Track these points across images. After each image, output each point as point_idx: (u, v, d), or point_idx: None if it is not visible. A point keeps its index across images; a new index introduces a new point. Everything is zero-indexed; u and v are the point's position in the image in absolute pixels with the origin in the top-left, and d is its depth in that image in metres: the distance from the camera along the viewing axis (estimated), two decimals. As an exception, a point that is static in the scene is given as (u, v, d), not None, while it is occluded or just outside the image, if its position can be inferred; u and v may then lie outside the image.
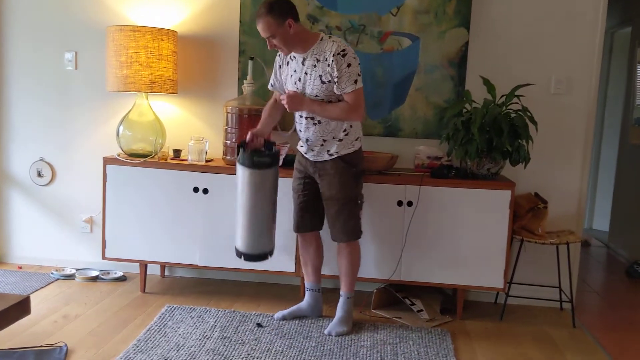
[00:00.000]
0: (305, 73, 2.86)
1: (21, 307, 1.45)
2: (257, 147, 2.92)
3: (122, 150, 3.51)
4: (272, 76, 3.07)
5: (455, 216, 3.24)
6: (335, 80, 2.79)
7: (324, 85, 2.82)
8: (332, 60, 2.76)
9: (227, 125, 3.44)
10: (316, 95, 2.86)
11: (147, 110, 3.53)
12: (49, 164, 3.89)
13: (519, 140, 3.22)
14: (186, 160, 3.45)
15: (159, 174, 3.39)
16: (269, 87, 3.10)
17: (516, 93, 3.27)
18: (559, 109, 3.53)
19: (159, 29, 3.43)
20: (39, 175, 3.90)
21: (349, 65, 2.77)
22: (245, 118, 3.39)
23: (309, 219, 3.10)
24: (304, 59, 2.86)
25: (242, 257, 2.97)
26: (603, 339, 3.17)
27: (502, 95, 3.30)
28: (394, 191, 3.26)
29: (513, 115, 3.23)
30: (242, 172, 2.85)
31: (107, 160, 3.42)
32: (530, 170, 3.41)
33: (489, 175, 3.28)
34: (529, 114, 3.24)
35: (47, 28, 3.79)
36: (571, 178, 3.57)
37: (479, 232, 3.23)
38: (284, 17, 2.74)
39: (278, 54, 3.00)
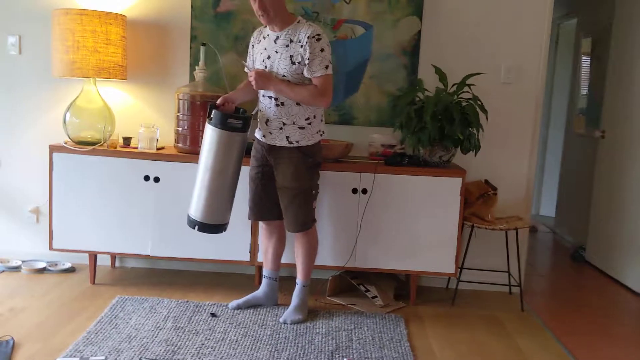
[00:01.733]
0: (276, 52, 2.85)
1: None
2: (228, 111, 2.90)
3: (70, 138, 3.40)
4: (247, 57, 3.08)
5: (408, 203, 3.28)
6: (307, 62, 2.79)
7: (294, 66, 2.81)
8: (306, 42, 2.77)
9: (178, 112, 3.37)
10: (283, 76, 2.84)
11: (95, 97, 3.43)
12: (-9, 152, 3.74)
13: (470, 129, 3.28)
14: (136, 148, 3.37)
15: (109, 162, 3.30)
16: (245, 68, 3.06)
17: (467, 82, 3.32)
18: (508, 98, 3.61)
19: (107, 13, 3.32)
20: (-19, 164, 3.74)
21: (322, 50, 2.79)
22: (198, 105, 3.33)
23: (267, 207, 3.08)
24: (277, 38, 2.85)
25: (197, 226, 2.91)
26: (550, 322, 3.28)
27: (454, 84, 3.35)
28: (349, 179, 3.27)
29: (464, 103, 3.28)
30: (210, 132, 2.83)
31: (54, 148, 3.31)
32: (480, 157, 3.49)
33: (441, 163, 3.33)
34: (479, 102, 3.30)
35: (-12, 10, 3.63)
36: (519, 165, 3.67)
37: (431, 218, 3.29)
38: None
39: (252, 34, 3.03)
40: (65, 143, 3.36)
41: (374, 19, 3.54)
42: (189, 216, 2.94)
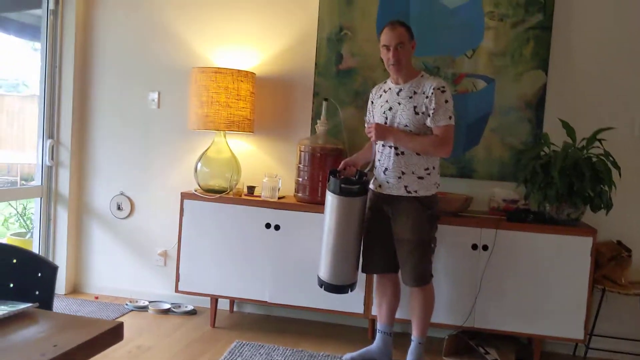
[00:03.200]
0: (399, 103, 2.92)
1: (115, 333, 1.50)
2: (349, 175, 3.00)
3: (199, 186, 3.62)
4: (367, 113, 3.19)
5: (532, 262, 3.14)
6: (431, 112, 2.84)
7: (417, 117, 2.86)
8: (432, 93, 2.83)
9: (299, 163, 3.49)
10: (405, 125, 2.89)
11: (224, 148, 3.64)
12: (128, 197, 4.05)
13: (601, 186, 3.10)
14: (259, 196, 3.52)
15: (233, 209, 3.46)
16: (366, 124, 3.16)
17: (598, 137, 3.17)
18: (643, 154, 3.40)
19: (239, 71, 3.56)
20: (119, 208, 4.06)
21: (446, 101, 2.85)
22: (318, 157, 3.43)
23: (380, 259, 3.06)
24: (400, 90, 2.94)
25: (323, 286, 3.01)
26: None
27: (583, 139, 3.21)
28: (468, 234, 3.19)
29: (594, 159, 3.13)
30: (330, 199, 2.93)
31: (185, 195, 3.53)
32: (612, 217, 3.27)
33: (569, 221, 3.17)
34: (611, 158, 3.13)
35: (134, 69, 4.01)
36: (656, 226, 3.41)
37: (557, 279, 3.11)
38: (412, 37, 2.93)
39: (371, 91, 3.14)
40: (196, 191, 3.58)
41: (496, 73, 3.51)
42: (318, 277, 3.05)
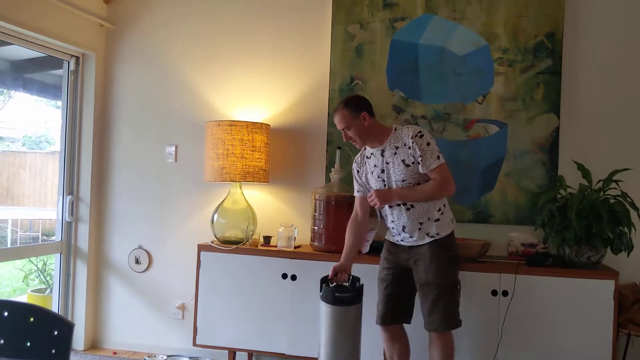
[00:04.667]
0: (387, 162, 2.92)
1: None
2: (341, 281, 2.93)
3: (216, 237, 3.64)
4: (355, 184, 3.10)
5: (554, 307, 3.07)
6: (419, 160, 2.83)
7: (409, 168, 2.86)
8: (412, 142, 2.82)
9: (315, 212, 3.51)
10: (403, 180, 2.89)
11: (240, 199, 3.68)
12: (146, 251, 4.08)
13: (620, 227, 3.06)
14: (276, 246, 3.52)
15: (250, 260, 3.46)
16: (355, 193, 3.11)
17: (614, 178, 3.15)
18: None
19: (254, 123, 3.63)
20: (137, 262, 4.08)
21: (428, 144, 2.83)
22: (333, 205, 3.45)
23: (396, 310, 3.01)
24: (383, 151, 2.92)
25: None
26: None
27: (599, 181, 3.18)
28: (487, 280, 3.15)
29: (612, 200, 3.10)
30: (324, 308, 2.87)
31: (202, 247, 3.55)
32: (634, 258, 3.21)
33: (590, 264, 3.12)
34: (629, 199, 3.10)
35: (150, 123, 4.11)
36: (680, 267, 3.33)
37: (580, 325, 3.04)
38: (358, 111, 2.90)
39: (354, 161, 3.09)
40: (212, 242, 3.60)
41: (507, 117, 3.53)
42: None
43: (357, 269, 3.28)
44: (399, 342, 3.05)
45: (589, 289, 3.04)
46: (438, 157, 2.84)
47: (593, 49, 3.48)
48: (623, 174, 3.18)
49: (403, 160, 2.87)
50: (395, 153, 2.89)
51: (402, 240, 2.98)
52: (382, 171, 2.94)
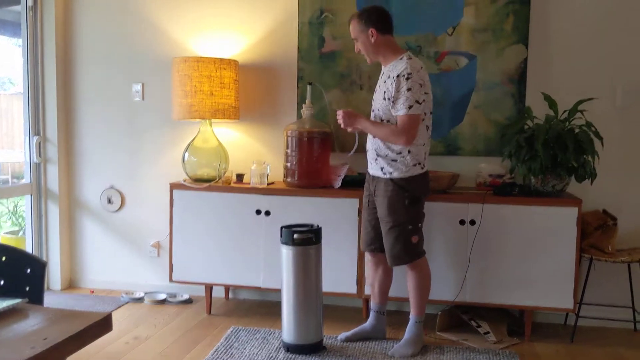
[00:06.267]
0: (379, 87, 2.96)
1: (104, 324, 1.52)
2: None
3: (188, 176, 3.63)
4: None
5: (520, 235, 3.18)
6: (392, 100, 2.82)
7: (384, 102, 2.87)
8: (394, 80, 2.80)
9: (287, 148, 3.51)
10: (378, 109, 2.92)
11: (210, 137, 3.65)
12: (118, 191, 4.06)
13: (584, 156, 3.14)
14: (249, 183, 3.54)
15: (223, 197, 3.48)
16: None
17: (579, 108, 3.20)
18: (625, 122, 3.43)
19: (221, 59, 3.56)
20: (109, 202, 4.07)
21: (409, 89, 2.78)
22: (305, 141, 3.45)
23: (374, 237, 3.08)
24: (382, 73, 2.96)
25: (289, 349, 2.97)
26: (684, 362, 3.02)
27: (565, 111, 3.23)
28: (456, 210, 3.23)
29: (577, 130, 3.16)
30: (285, 251, 2.94)
31: (174, 186, 3.55)
32: (597, 186, 3.32)
33: (554, 192, 3.21)
34: (593, 128, 3.16)
35: (116, 61, 4.00)
36: (640, 194, 3.45)
37: (545, 250, 3.16)
38: (367, 25, 2.88)
39: None
40: (184, 181, 3.59)
41: (477, 49, 3.52)
42: (283, 341, 3.01)
43: (329, 204, 3.34)
44: (381, 268, 3.14)
45: (554, 216, 3.14)
46: (410, 107, 2.78)
47: (563, -23, 3.46)
48: (588, 103, 3.23)
49: (384, 92, 2.87)
50: (385, 82, 2.89)
51: (368, 164, 3.04)
52: (375, 92, 2.98)
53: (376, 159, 2.95)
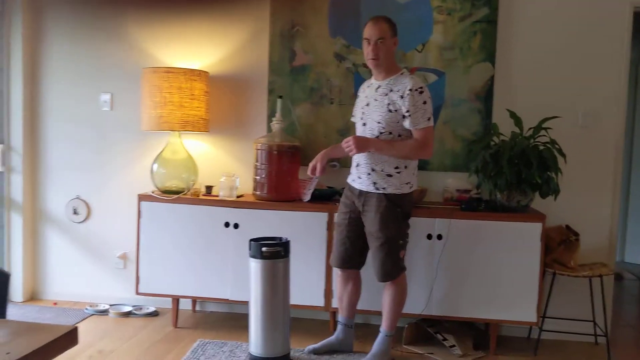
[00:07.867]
0: (375, 100, 2.95)
1: (69, 338, 1.49)
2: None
3: (156, 187, 3.60)
4: (355, 107, 3.18)
5: (486, 249, 3.23)
6: (407, 114, 2.84)
7: (389, 114, 2.88)
8: (409, 95, 2.83)
9: (257, 161, 3.51)
10: (379, 122, 2.91)
11: (180, 149, 3.63)
12: (84, 201, 3.99)
13: (548, 173, 3.22)
14: (217, 196, 3.52)
15: (192, 210, 3.46)
16: (352, 119, 3.20)
17: (543, 125, 3.29)
18: (587, 142, 3.53)
19: (192, 70, 3.55)
20: (75, 213, 4.00)
21: (424, 103, 2.85)
22: (275, 154, 3.46)
23: (351, 255, 3.09)
24: (379, 86, 2.96)
25: None
26: (642, 374, 3.10)
27: (530, 128, 3.32)
28: (423, 224, 3.27)
29: (541, 147, 3.24)
30: (253, 264, 2.95)
31: (142, 197, 3.51)
32: (560, 202, 3.40)
33: (519, 208, 3.28)
34: (557, 146, 3.25)
35: (84, 71, 3.95)
36: (601, 210, 3.55)
37: (510, 265, 3.22)
38: (395, 33, 2.94)
39: (362, 85, 3.14)
40: (153, 192, 3.56)
41: (446, 66, 3.59)
42: (250, 354, 3.00)
43: (298, 218, 3.35)
44: (351, 283, 3.15)
45: (518, 232, 3.21)
46: (429, 119, 2.87)
47: (528, -1, 3.56)
48: (552, 121, 3.32)
49: (388, 104, 2.88)
50: (387, 95, 2.90)
51: (353, 180, 3.04)
52: (367, 105, 2.98)
53: (369, 174, 2.95)
